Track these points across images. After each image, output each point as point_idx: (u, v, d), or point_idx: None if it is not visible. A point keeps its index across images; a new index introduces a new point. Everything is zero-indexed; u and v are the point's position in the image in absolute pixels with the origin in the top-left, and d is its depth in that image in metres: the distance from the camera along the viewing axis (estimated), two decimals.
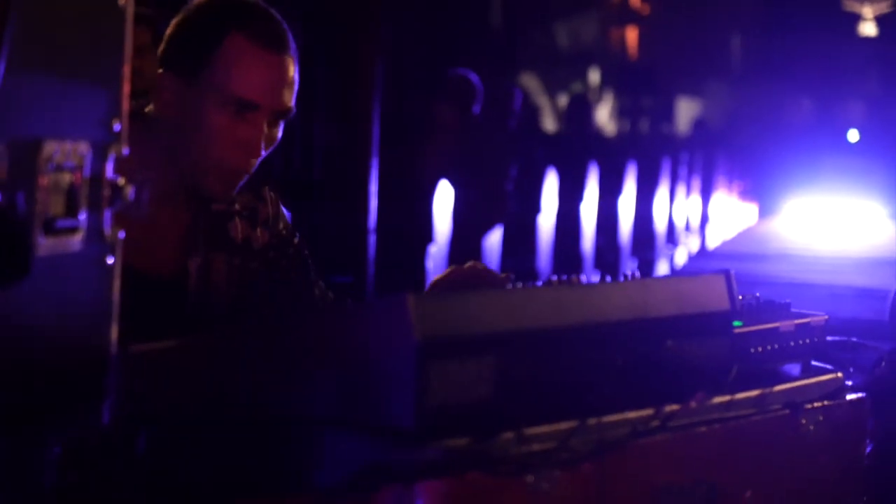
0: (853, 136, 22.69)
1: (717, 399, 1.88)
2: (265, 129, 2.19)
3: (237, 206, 2.33)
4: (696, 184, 14.17)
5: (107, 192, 1.43)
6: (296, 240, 2.39)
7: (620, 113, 16.88)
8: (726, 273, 1.96)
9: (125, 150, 1.45)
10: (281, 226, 2.39)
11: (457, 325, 1.59)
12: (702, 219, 14.68)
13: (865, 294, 10.79)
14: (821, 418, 2.03)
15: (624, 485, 1.71)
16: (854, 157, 22.14)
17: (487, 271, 2.20)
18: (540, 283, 1.91)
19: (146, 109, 2.24)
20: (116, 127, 1.44)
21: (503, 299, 1.69)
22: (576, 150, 9.30)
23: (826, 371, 2.14)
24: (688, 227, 13.68)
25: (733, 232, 17.31)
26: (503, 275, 2.16)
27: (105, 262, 1.46)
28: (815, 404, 2.03)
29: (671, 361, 1.85)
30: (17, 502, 1.40)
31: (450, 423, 1.55)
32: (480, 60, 8.87)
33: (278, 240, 2.37)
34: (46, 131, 1.34)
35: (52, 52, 1.36)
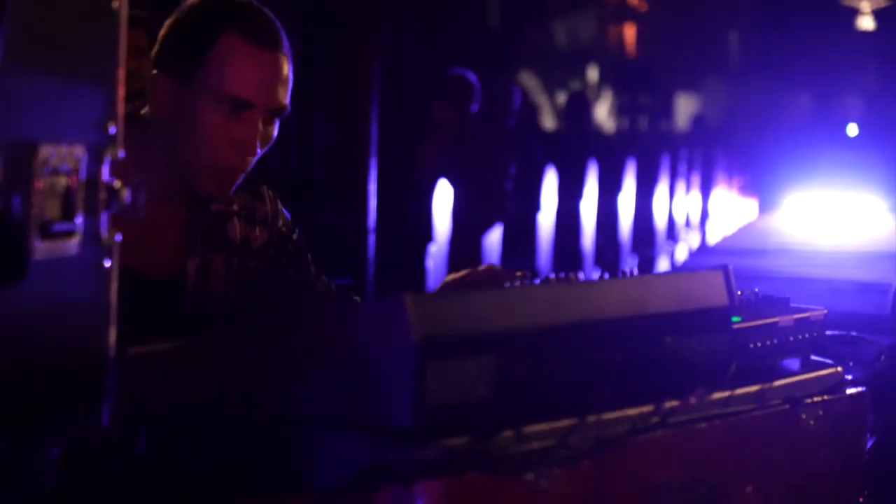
0: (852, 130, 22.69)
1: (717, 395, 1.88)
2: (260, 127, 2.19)
3: (235, 207, 2.33)
4: (696, 180, 14.17)
5: (103, 195, 1.43)
6: (295, 236, 2.40)
7: (619, 110, 16.88)
8: (724, 269, 1.96)
9: (121, 153, 1.45)
10: (280, 223, 2.39)
11: (455, 324, 1.59)
12: (702, 215, 14.68)
13: (866, 288, 10.79)
14: (821, 413, 2.03)
15: (624, 482, 1.71)
16: (853, 151, 22.14)
17: (504, 271, 2.20)
18: (538, 282, 1.91)
19: (142, 112, 2.25)
20: (112, 130, 1.45)
21: (501, 298, 1.69)
22: (575, 148, 9.30)
23: (826, 366, 2.14)
24: (688, 224, 13.68)
25: (733, 227, 17.31)
26: (519, 273, 2.15)
27: (102, 266, 1.46)
28: (815, 399, 2.03)
29: (670, 358, 1.85)
30: None
31: (449, 423, 1.55)
32: (479, 59, 8.88)
33: (278, 237, 2.37)
34: (42, 135, 1.34)
35: (47, 56, 1.36)
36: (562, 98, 11.74)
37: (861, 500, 2.13)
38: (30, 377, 1.39)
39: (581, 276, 1.92)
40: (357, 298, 2.43)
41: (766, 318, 2.05)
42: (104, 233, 1.44)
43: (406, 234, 6.31)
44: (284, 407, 1.64)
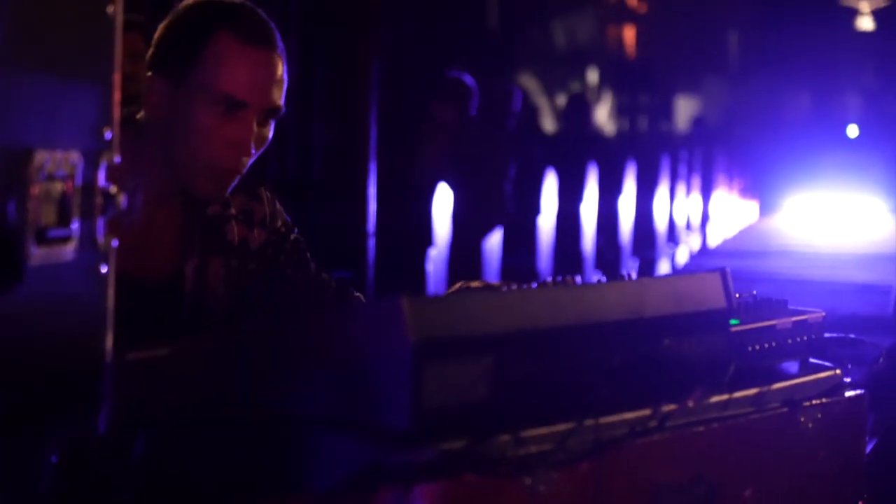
0: (853, 131, 22.69)
1: (715, 398, 1.88)
2: (255, 128, 2.19)
3: (232, 210, 2.33)
4: (696, 182, 14.17)
5: (99, 200, 1.43)
6: (293, 235, 2.39)
7: (619, 112, 16.87)
8: (722, 271, 1.96)
9: (117, 158, 1.45)
10: (279, 223, 2.39)
11: (452, 326, 1.59)
12: (702, 217, 14.68)
13: (867, 290, 10.79)
14: (819, 415, 2.03)
15: (622, 485, 1.71)
16: (853, 151, 22.14)
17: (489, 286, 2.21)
18: (535, 285, 1.90)
19: (138, 116, 2.25)
20: (108, 135, 1.44)
21: (499, 300, 1.69)
22: (575, 150, 9.29)
23: (824, 368, 2.13)
24: (688, 226, 13.67)
25: (734, 229, 17.31)
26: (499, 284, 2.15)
27: (98, 271, 1.46)
28: (814, 402, 2.03)
29: (668, 361, 1.85)
30: None
31: (446, 425, 1.55)
32: (478, 60, 8.88)
33: (276, 237, 2.37)
34: (37, 140, 1.34)
35: (42, 61, 1.36)
36: (561, 99, 11.74)
37: (860, 502, 2.13)
38: (27, 382, 1.39)
39: (578, 279, 1.92)
40: (358, 294, 2.43)
41: (764, 320, 2.05)
42: (100, 238, 1.44)
43: (405, 237, 6.31)
44: (282, 409, 1.63)
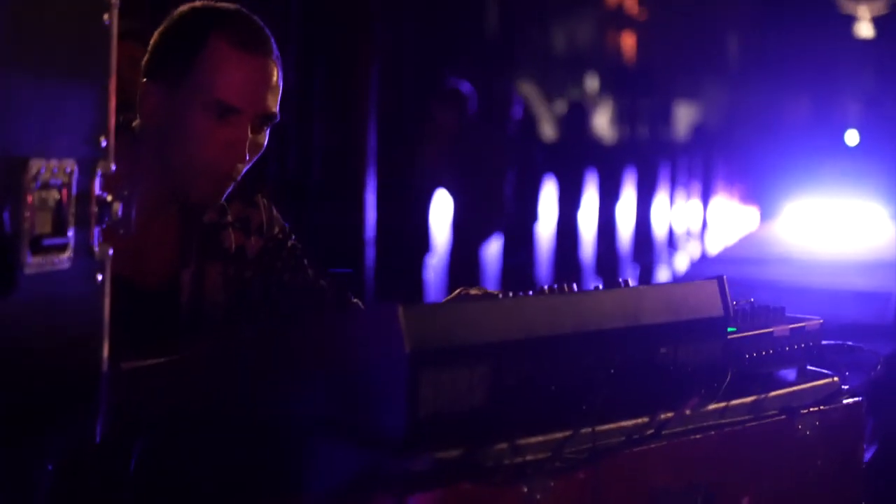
0: (852, 139, 22.69)
1: (713, 405, 1.88)
2: (249, 134, 2.19)
3: (229, 218, 2.33)
4: (696, 188, 14.17)
5: (94, 209, 1.43)
6: (290, 242, 2.39)
7: (618, 118, 16.87)
8: (719, 279, 1.96)
9: (112, 167, 1.45)
10: (276, 230, 2.39)
11: (448, 334, 1.59)
12: (702, 223, 14.67)
13: (867, 297, 10.78)
14: (817, 423, 2.03)
15: (620, 493, 1.71)
16: (853, 158, 22.14)
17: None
18: (532, 292, 1.90)
19: (134, 124, 2.25)
20: (103, 143, 1.44)
21: (495, 308, 1.69)
22: (574, 157, 9.30)
23: (822, 375, 2.13)
24: (688, 233, 13.67)
25: (734, 236, 17.31)
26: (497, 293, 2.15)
27: (94, 280, 1.46)
28: (811, 409, 2.03)
29: (665, 368, 1.85)
30: None
31: (442, 434, 1.55)
32: (477, 64, 8.87)
33: (273, 243, 2.37)
34: (32, 149, 1.34)
35: (38, 69, 1.36)
36: (560, 106, 11.74)
37: None
38: (22, 391, 1.38)
39: (574, 287, 1.92)
40: (356, 301, 2.42)
41: (761, 328, 2.04)
42: (96, 247, 1.44)
43: (404, 240, 6.31)
44: (278, 417, 1.63)
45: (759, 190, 20.47)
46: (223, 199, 2.25)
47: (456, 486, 1.51)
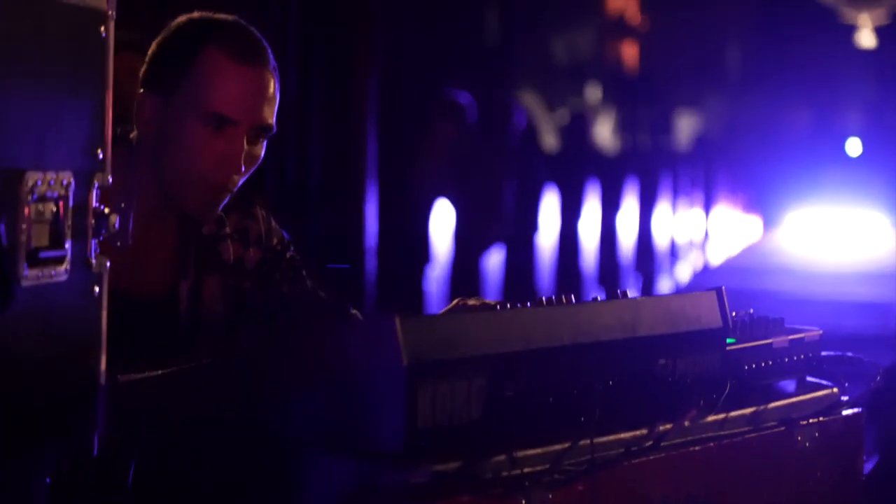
0: (854, 149, 22.69)
1: (711, 417, 1.87)
2: (245, 145, 2.19)
3: (227, 229, 2.33)
4: (698, 198, 14.16)
5: (92, 221, 1.43)
6: (289, 253, 2.39)
7: (620, 127, 16.87)
8: (718, 290, 1.96)
9: (109, 179, 1.45)
10: (275, 241, 2.38)
11: (446, 346, 1.59)
12: (704, 234, 14.67)
13: (869, 308, 10.77)
14: (816, 434, 2.03)
15: None
16: (855, 167, 22.14)
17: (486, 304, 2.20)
18: (530, 304, 1.90)
19: (132, 135, 2.25)
20: (100, 155, 1.44)
21: (493, 320, 1.68)
22: (575, 166, 9.30)
23: (821, 387, 2.13)
24: (690, 243, 13.67)
25: (736, 246, 17.30)
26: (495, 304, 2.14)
27: (92, 292, 1.46)
28: (811, 420, 2.03)
29: (664, 380, 1.84)
30: None
31: (440, 446, 1.55)
32: (477, 75, 8.88)
33: (272, 254, 2.37)
34: (29, 161, 1.33)
35: (34, 82, 1.36)
36: (562, 115, 11.75)
37: None
38: (20, 404, 1.38)
39: (572, 298, 1.91)
40: (354, 312, 2.42)
41: (760, 339, 2.04)
42: (93, 259, 1.44)
43: (404, 251, 6.31)
44: (275, 430, 1.63)
45: (760, 200, 20.47)
46: (220, 210, 2.25)
47: (454, 499, 1.51)
